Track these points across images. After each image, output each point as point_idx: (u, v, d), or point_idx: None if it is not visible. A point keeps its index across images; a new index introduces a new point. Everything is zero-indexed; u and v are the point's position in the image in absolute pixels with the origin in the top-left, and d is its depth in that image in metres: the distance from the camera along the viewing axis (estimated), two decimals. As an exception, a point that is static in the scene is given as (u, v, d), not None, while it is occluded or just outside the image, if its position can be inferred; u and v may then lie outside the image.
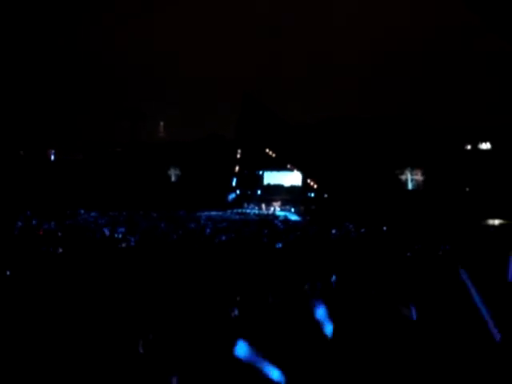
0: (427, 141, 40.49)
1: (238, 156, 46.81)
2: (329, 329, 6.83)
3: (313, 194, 43.92)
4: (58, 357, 6.38)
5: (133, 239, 18.66)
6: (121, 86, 64.82)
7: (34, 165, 48.27)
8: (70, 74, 65.24)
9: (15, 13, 59.06)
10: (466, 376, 5.79)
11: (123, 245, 17.51)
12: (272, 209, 42.94)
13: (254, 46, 68.33)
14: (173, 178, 48.62)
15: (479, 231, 26.66)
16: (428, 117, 44.82)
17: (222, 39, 69.14)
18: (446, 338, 6.58)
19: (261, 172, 48.28)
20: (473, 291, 8.86)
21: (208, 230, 23.54)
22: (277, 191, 46.02)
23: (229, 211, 41.13)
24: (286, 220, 34.17)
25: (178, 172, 48.50)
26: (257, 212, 41.81)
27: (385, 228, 26.54)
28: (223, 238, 20.21)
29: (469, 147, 42.35)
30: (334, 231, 24.37)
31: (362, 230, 25.11)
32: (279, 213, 40.76)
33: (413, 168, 41.49)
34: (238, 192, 46.76)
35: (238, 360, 5.83)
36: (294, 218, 37.92)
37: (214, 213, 38.35)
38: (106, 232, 21.39)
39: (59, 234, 20.41)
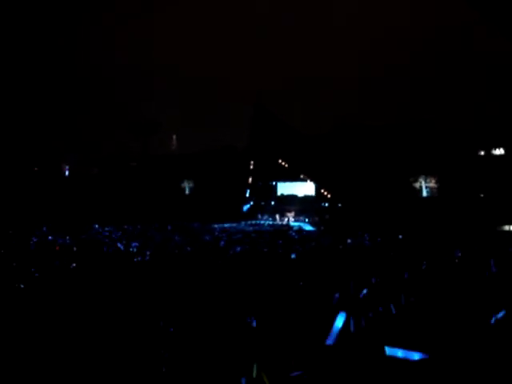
0: (440, 147, 40.23)
1: (251, 167, 46.87)
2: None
3: (327, 204, 43.75)
4: (71, 368, 6.33)
5: (148, 252, 18.68)
6: (125, 92, 65.11)
7: (49, 180, 48.77)
8: (75, 81, 65.73)
9: (15, 19, 59.89)
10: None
11: (138, 258, 17.54)
12: (286, 219, 42.87)
13: (254, 46, 68.30)
14: (187, 191, 48.79)
15: (496, 237, 26.32)
16: (438, 122, 44.32)
17: (222, 39, 69.35)
18: (467, 352, 6.39)
19: (274, 183, 48.30)
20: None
21: (222, 243, 23.50)
22: (290, 202, 45.98)
23: (243, 223, 41.13)
24: (300, 230, 34.05)
25: (191, 184, 48.68)
26: (271, 223, 41.76)
27: (400, 236, 26.29)
28: (238, 249, 20.17)
29: (482, 153, 42.02)
30: (349, 241, 24.19)
31: (378, 240, 24.89)
32: (293, 223, 40.67)
33: (426, 175, 41.22)
34: (251, 203, 46.78)
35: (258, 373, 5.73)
36: (308, 228, 37.77)
37: (227, 225, 38.35)
38: (121, 246, 21.44)
39: (74, 248, 20.51)
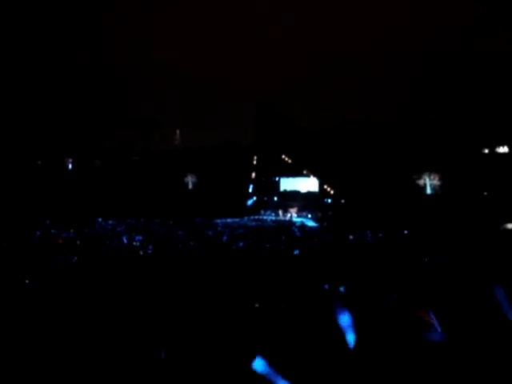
0: (444, 145, 40.09)
1: (254, 163, 46.82)
2: (351, 336, 6.67)
3: (329, 200, 43.66)
4: (73, 365, 6.33)
5: (150, 247, 18.69)
6: (125, 92, 65.15)
7: (52, 174, 48.78)
8: (77, 79, 65.82)
9: (18, 19, 59.90)
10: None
11: (141, 252, 17.56)
12: (289, 215, 42.82)
13: (254, 46, 68.31)
14: (190, 186, 48.73)
15: (501, 236, 26.22)
16: (440, 121, 44.32)
17: (222, 39, 69.31)
18: (475, 353, 6.34)
19: (277, 178, 48.23)
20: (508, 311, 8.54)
21: (225, 238, 23.49)
22: (293, 197, 45.91)
23: (246, 218, 41.11)
24: (303, 226, 34.00)
25: (194, 179, 48.61)
26: (274, 218, 41.72)
27: (406, 232, 26.21)
28: (240, 244, 20.15)
29: (486, 151, 41.89)
30: (351, 237, 24.13)
31: (380, 235, 24.81)
32: (296, 219, 40.61)
33: (430, 172, 41.10)
34: (254, 198, 46.75)
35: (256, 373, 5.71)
36: (310, 224, 37.71)
37: (230, 220, 38.33)
38: (124, 240, 21.47)
39: (78, 242, 20.53)
